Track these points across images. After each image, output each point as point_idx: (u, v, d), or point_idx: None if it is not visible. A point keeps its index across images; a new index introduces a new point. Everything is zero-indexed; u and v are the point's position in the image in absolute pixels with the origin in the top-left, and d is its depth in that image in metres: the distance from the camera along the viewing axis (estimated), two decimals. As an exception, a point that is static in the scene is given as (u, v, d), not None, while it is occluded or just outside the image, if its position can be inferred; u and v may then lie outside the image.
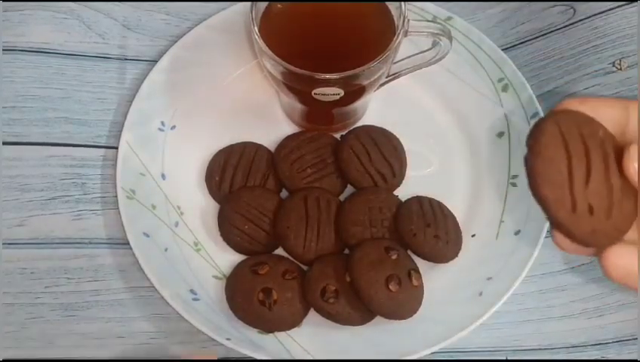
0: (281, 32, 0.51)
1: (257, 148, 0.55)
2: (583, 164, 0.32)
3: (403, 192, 0.54)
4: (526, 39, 0.61)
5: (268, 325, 0.49)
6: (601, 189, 0.31)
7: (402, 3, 0.48)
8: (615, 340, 0.52)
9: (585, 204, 0.31)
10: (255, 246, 0.52)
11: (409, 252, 0.51)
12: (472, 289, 0.51)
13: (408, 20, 0.49)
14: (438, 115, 0.58)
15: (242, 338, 0.49)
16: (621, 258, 0.31)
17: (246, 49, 0.58)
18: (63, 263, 0.53)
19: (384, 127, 0.56)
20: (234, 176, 0.54)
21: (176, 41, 0.58)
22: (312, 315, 0.50)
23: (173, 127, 0.56)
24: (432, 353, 0.48)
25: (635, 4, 0.59)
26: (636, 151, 0.31)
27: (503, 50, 0.58)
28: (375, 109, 0.58)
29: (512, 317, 0.52)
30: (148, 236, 0.51)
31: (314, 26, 0.52)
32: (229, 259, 0.52)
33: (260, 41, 0.48)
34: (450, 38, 0.51)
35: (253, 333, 0.49)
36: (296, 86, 0.50)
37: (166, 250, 0.52)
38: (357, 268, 0.48)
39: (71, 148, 0.56)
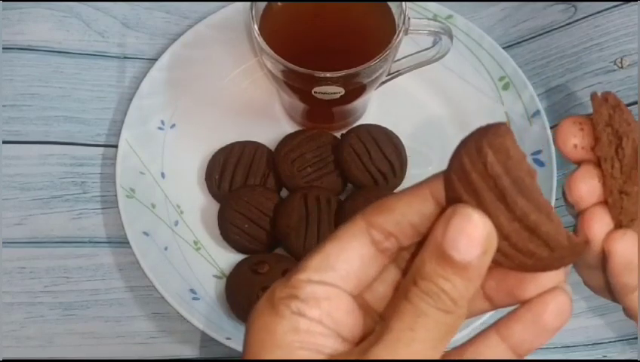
0: (282, 31, 0.50)
1: (257, 146, 0.55)
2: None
3: (403, 191, 0.54)
4: (527, 37, 0.61)
5: (268, 324, 0.49)
6: (525, 242, 0.27)
7: (402, 1, 0.48)
8: (617, 339, 0.51)
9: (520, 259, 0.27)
10: (255, 245, 0.52)
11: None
12: (472, 288, 0.51)
13: (409, 18, 0.48)
14: (439, 114, 0.58)
15: (242, 337, 0.48)
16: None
17: (246, 47, 0.58)
18: (62, 262, 0.53)
19: (384, 125, 0.55)
20: (234, 174, 0.54)
21: (175, 40, 0.58)
22: (313, 314, 0.50)
23: (172, 126, 0.56)
24: (433, 352, 0.48)
25: (636, 2, 0.59)
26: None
27: (504, 48, 0.58)
28: (375, 108, 0.58)
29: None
30: (147, 235, 0.51)
31: (314, 25, 0.52)
32: (229, 258, 0.52)
33: (260, 40, 0.48)
34: (451, 37, 0.51)
35: (253, 333, 0.49)
36: (297, 84, 0.50)
37: (166, 248, 0.52)
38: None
39: (70, 146, 0.56)
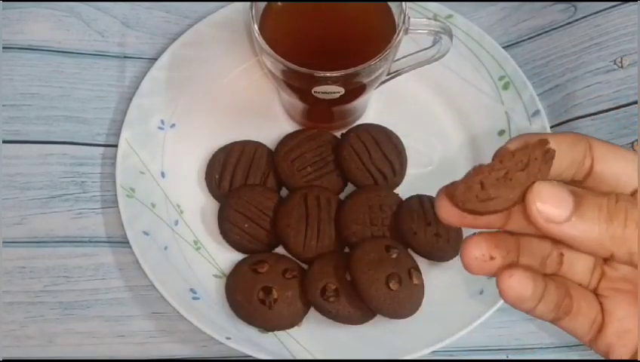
0: (282, 30, 0.50)
1: (257, 146, 0.55)
2: None
3: (403, 190, 0.54)
4: (527, 37, 0.61)
5: (268, 324, 0.49)
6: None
7: (402, 1, 0.48)
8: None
9: None
10: (255, 244, 0.52)
11: (409, 250, 0.51)
12: (472, 287, 0.51)
13: (409, 18, 0.48)
14: (439, 113, 0.58)
15: (242, 337, 0.48)
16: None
17: (246, 47, 0.58)
18: (62, 262, 0.53)
19: (384, 125, 0.55)
20: (234, 174, 0.54)
21: (175, 39, 0.58)
22: (313, 314, 0.50)
23: (172, 125, 0.56)
24: (433, 352, 0.48)
25: (635, 2, 0.59)
26: (542, 188, 0.30)
27: (504, 47, 0.58)
28: (375, 107, 0.58)
29: (513, 315, 0.52)
30: (147, 234, 0.51)
31: (314, 24, 0.52)
32: (229, 257, 0.52)
33: (260, 39, 0.48)
34: (451, 36, 0.51)
35: (253, 332, 0.49)
36: (297, 84, 0.50)
37: (166, 248, 0.52)
38: (357, 266, 0.48)
39: (70, 146, 0.56)
